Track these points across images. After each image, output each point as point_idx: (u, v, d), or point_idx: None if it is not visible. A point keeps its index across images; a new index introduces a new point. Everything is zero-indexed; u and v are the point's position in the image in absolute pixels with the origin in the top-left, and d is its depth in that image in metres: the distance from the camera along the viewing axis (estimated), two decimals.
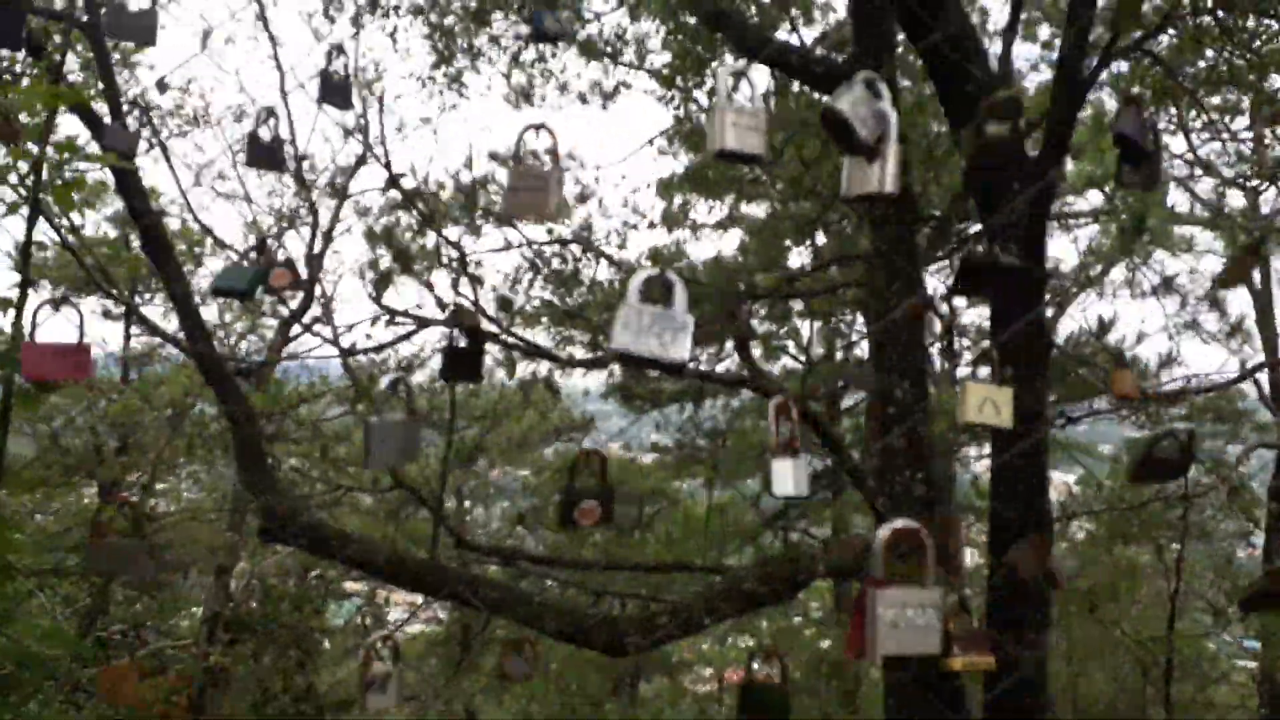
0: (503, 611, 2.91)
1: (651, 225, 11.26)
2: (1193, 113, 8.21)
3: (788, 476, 2.19)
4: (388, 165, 5.50)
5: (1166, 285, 7.33)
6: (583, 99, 9.44)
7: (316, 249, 7.12)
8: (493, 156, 11.46)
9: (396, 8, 6.33)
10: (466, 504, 16.99)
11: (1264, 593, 3.10)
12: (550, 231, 12.44)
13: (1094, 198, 9.71)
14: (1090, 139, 8.28)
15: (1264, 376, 12.23)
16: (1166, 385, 10.64)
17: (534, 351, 4.55)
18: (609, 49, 8.24)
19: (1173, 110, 8.21)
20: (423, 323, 5.09)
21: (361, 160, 7.63)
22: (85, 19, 3.39)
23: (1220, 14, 6.46)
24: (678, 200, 10.40)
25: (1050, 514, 3.73)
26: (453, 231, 12.10)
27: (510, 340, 4.57)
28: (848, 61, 4.06)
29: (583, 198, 11.50)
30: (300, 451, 6.65)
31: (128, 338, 9.10)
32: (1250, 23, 6.38)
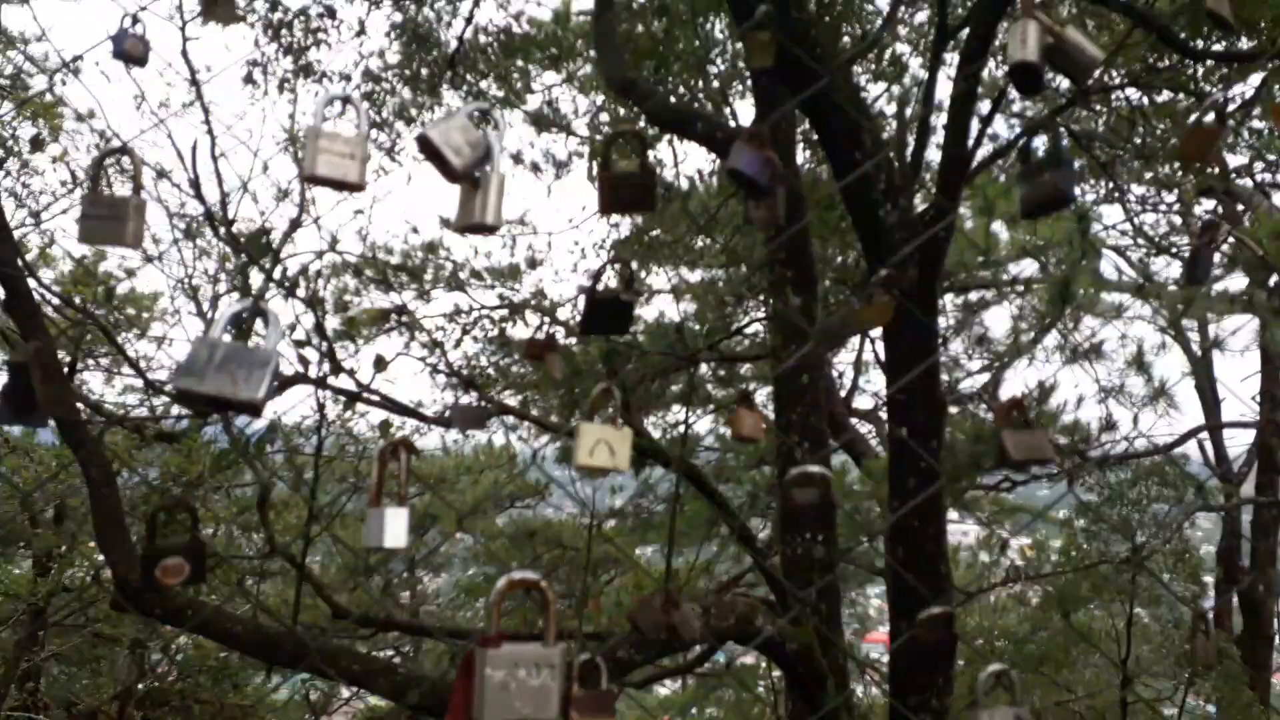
0: (364, 684, 2.80)
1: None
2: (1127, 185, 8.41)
3: (382, 527, 1.99)
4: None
5: (1094, 351, 7.41)
6: (536, 169, 9.52)
7: None
8: (444, 223, 11.53)
9: (326, 75, 6.36)
10: (419, 573, 16.69)
11: None
12: (502, 298, 12.48)
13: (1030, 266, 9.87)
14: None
15: (1206, 440, 12.37)
16: (1100, 449, 10.71)
17: (401, 410, 4.50)
18: (558, 120, 8.35)
19: (1100, 180, 8.42)
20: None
21: (295, 224, 7.60)
22: None
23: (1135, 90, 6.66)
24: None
25: (949, 577, 3.67)
26: (404, 296, 12.08)
27: (374, 399, 4.51)
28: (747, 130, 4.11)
29: (533, 263, 11.52)
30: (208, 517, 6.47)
31: None
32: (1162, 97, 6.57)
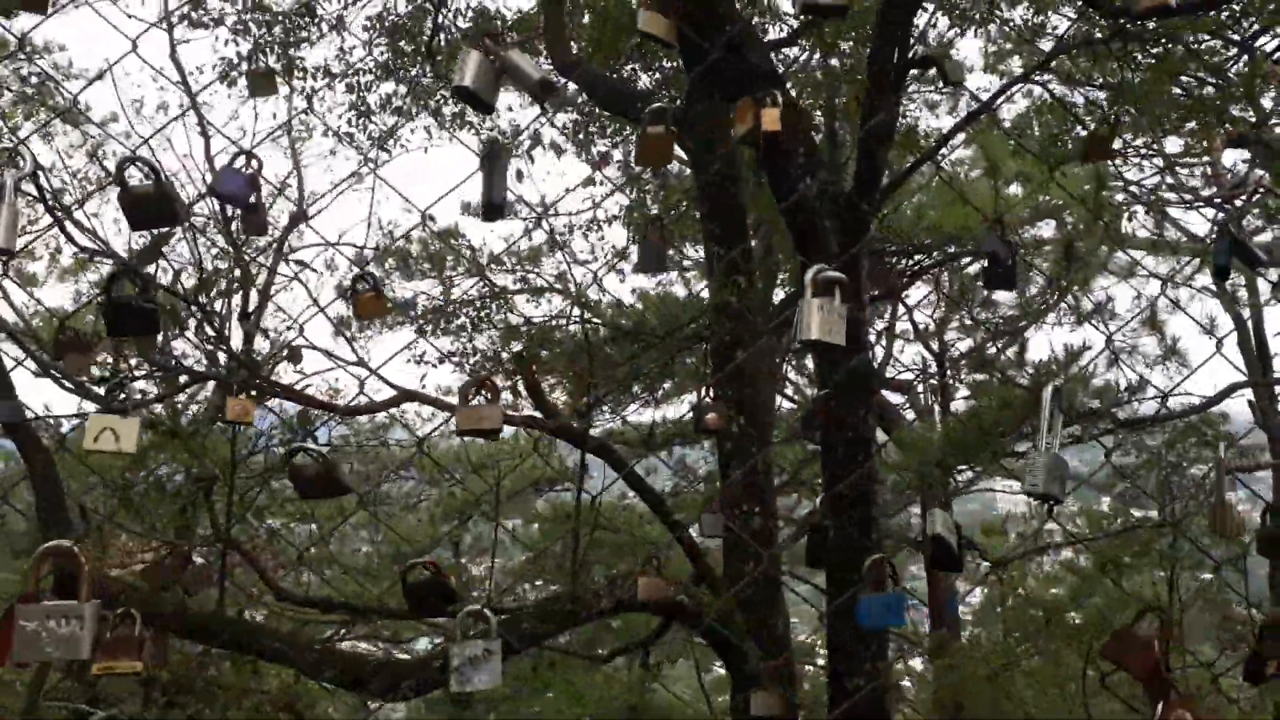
0: (285, 661, 2.88)
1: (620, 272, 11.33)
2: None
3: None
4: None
5: (1098, 311, 7.23)
6: (556, 149, 9.58)
7: (252, 308, 7.22)
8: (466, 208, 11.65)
9: (307, 70, 6.46)
10: (464, 560, 16.97)
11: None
12: (525, 281, 12.56)
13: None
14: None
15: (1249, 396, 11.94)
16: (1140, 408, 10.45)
17: (306, 400, 4.57)
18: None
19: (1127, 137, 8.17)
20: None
21: (298, 217, 7.76)
22: None
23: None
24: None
25: (880, 541, 3.64)
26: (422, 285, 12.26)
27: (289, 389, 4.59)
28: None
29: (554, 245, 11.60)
30: None
31: None
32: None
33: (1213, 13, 5.11)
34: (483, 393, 2.43)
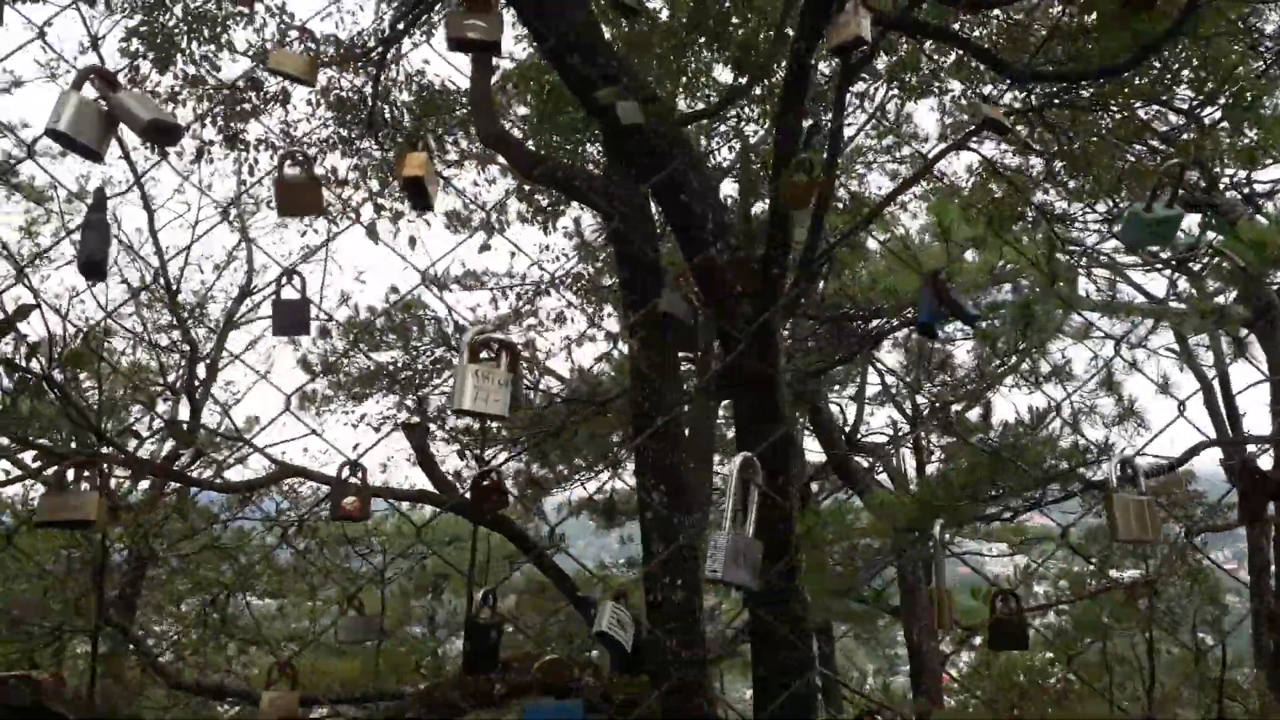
0: None
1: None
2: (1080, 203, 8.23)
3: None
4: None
5: (1056, 373, 7.18)
6: (523, 219, 9.62)
7: (198, 380, 7.10)
8: (430, 281, 11.63)
9: (248, 142, 6.44)
10: (440, 634, 16.61)
11: None
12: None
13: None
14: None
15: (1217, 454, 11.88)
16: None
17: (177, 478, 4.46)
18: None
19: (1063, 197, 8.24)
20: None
21: (246, 289, 7.70)
22: None
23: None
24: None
25: (802, 609, 3.51)
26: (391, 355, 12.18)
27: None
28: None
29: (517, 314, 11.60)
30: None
31: None
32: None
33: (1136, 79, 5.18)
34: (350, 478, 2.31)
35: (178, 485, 4.82)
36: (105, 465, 1.97)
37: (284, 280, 2.07)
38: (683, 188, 3.31)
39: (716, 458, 7.49)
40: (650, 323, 3.88)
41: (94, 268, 1.77)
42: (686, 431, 4.18)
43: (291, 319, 2.01)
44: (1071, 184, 6.61)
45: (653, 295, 4.40)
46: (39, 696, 2.96)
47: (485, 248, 7.51)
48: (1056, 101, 6.38)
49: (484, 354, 1.56)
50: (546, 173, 4.08)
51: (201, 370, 7.16)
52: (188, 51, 5.91)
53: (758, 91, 5.86)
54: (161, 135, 1.66)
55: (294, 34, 5.97)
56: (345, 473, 2.40)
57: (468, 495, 4.59)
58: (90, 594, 4.17)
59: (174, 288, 7.05)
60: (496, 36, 1.62)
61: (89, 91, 1.64)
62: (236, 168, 6.72)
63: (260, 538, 8.02)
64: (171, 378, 7.45)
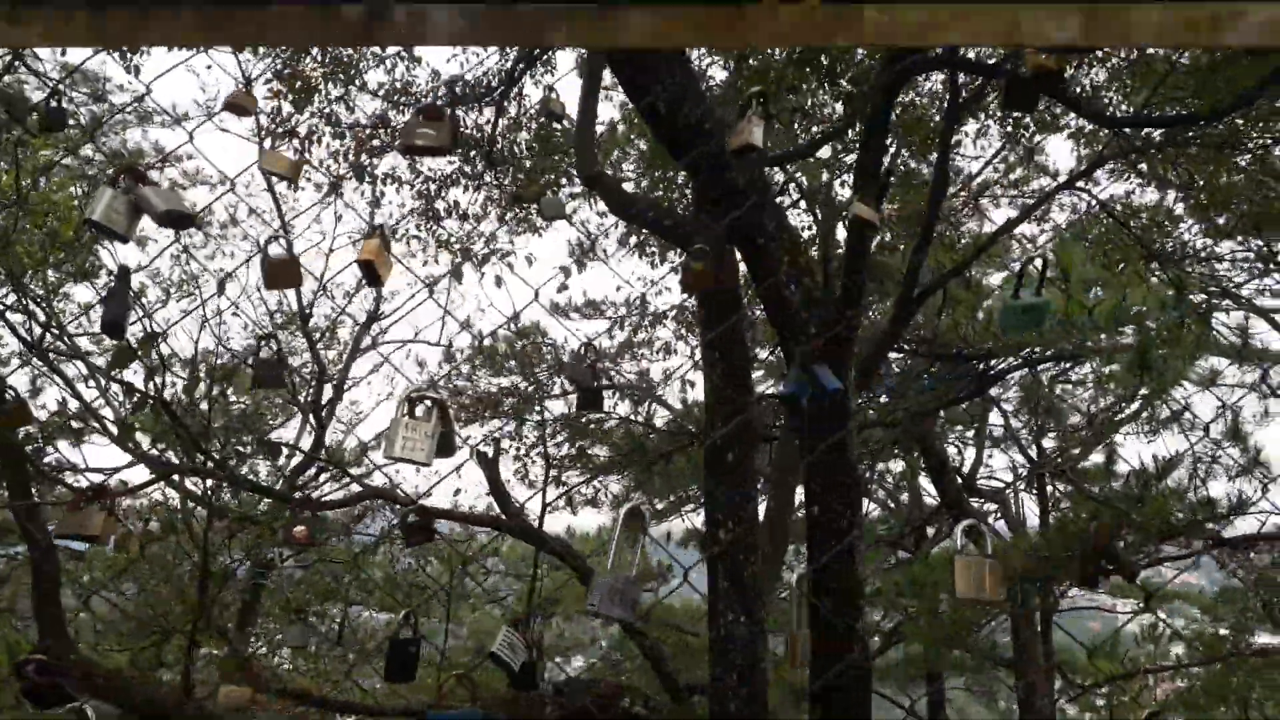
0: None
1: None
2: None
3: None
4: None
5: (1175, 418, 6.89)
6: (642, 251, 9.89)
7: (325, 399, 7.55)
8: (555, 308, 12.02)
9: (377, 176, 6.86)
10: (552, 658, 16.87)
11: None
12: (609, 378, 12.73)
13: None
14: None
15: None
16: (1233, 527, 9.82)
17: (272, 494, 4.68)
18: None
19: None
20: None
21: (373, 316, 8.13)
22: None
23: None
24: None
25: (865, 620, 3.52)
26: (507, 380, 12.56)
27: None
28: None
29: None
30: None
31: None
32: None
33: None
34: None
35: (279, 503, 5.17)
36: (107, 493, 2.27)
37: (262, 342, 2.41)
38: (760, 229, 3.42)
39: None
40: (727, 360, 3.97)
41: (114, 329, 2.08)
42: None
43: (268, 375, 2.34)
44: (1194, 224, 6.38)
45: (734, 337, 4.53)
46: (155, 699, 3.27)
47: (563, 287, 7.76)
48: (1184, 139, 6.18)
49: (419, 410, 1.76)
50: (637, 212, 4.25)
51: (329, 391, 7.63)
52: (324, 91, 6.39)
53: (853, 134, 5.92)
54: (176, 222, 1.93)
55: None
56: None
57: (534, 522, 4.79)
58: (211, 601, 4.51)
59: (307, 313, 7.56)
60: (445, 142, 1.79)
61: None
62: (369, 199, 7.14)
63: (382, 553, 8.43)
64: (302, 397, 7.94)
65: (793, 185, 7.97)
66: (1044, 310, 1.78)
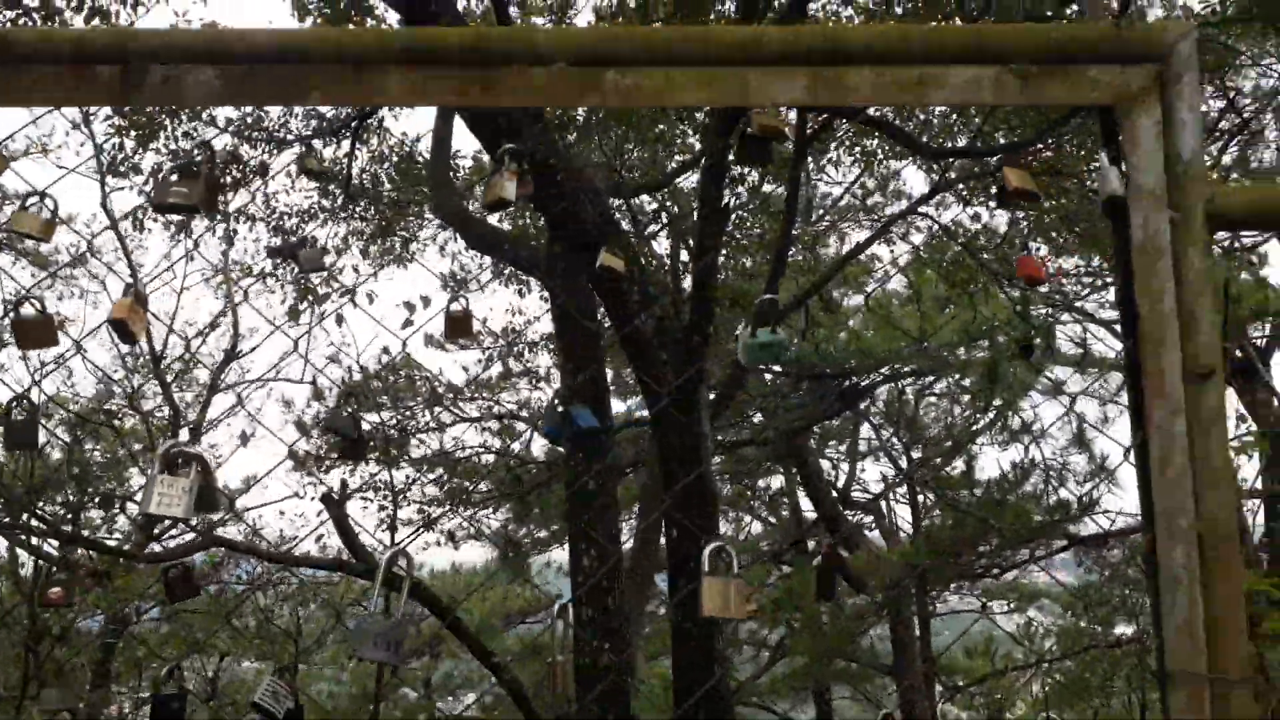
0: None
1: None
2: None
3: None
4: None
5: (1025, 430, 7.27)
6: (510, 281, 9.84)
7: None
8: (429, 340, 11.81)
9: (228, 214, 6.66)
10: (434, 696, 16.51)
11: None
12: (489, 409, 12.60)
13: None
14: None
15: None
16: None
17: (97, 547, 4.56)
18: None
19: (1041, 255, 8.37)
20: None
21: (230, 354, 7.87)
22: None
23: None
24: None
25: (725, 656, 3.59)
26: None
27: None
28: None
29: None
30: None
31: None
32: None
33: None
34: None
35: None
36: None
37: (13, 404, 2.38)
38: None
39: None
40: (583, 390, 4.01)
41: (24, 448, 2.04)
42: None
43: (21, 438, 2.31)
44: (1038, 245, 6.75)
45: (589, 363, 4.60)
46: None
47: (408, 322, 7.80)
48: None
49: (179, 463, 1.75)
50: (497, 245, 4.27)
51: (185, 434, 7.33)
52: (169, 129, 6.18)
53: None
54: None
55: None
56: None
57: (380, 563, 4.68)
58: (53, 664, 4.28)
59: (158, 354, 7.26)
60: (196, 201, 1.81)
61: None
62: (220, 236, 6.92)
63: (246, 600, 8.11)
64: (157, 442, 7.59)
65: (663, 213, 8.13)
66: (779, 347, 1.91)
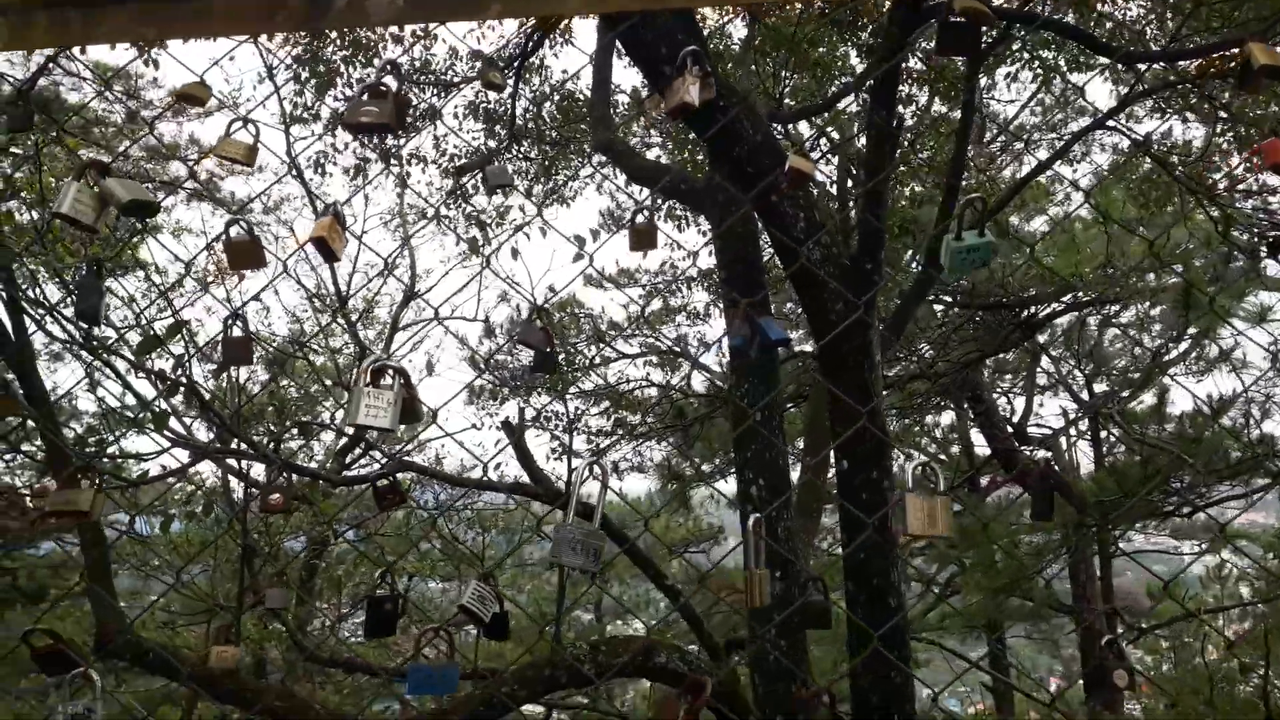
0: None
1: None
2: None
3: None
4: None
5: (1224, 358, 6.75)
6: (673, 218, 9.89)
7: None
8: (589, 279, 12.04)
9: (402, 157, 6.89)
10: (605, 619, 17.15)
11: None
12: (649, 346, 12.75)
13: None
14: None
15: None
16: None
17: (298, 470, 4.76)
18: None
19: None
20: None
21: (410, 294, 8.22)
22: None
23: None
24: None
25: (899, 589, 3.53)
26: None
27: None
28: None
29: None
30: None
31: None
32: None
33: None
34: None
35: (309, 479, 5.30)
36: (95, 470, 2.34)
37: (231, 321, 2.46)
38: (772, 190, 3.39)
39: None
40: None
41: (89, 317, 2.16)
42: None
43: (236, 353, 2.39)
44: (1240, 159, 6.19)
45: (756, 289, 4.53)
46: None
47: (578, 257, 7.78)
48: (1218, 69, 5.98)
49: (383, 379, 1.79)
50: (658, 179, 4.25)
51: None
52: (345, 75, 6.43)
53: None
54: (139, 210, 1.97)
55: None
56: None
57: (562, 488, 4.84)
58: (263, 578, 4.69)
59: (344, 294, 7.68)
60: (387, 119, 1.80)
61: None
62: (391, 178, 7.19)
63: (431, 524, 8.57)
64: (346, 377, 8.05)
65: (823, 140, 7.88)
66: (987, 250, 1.76)
